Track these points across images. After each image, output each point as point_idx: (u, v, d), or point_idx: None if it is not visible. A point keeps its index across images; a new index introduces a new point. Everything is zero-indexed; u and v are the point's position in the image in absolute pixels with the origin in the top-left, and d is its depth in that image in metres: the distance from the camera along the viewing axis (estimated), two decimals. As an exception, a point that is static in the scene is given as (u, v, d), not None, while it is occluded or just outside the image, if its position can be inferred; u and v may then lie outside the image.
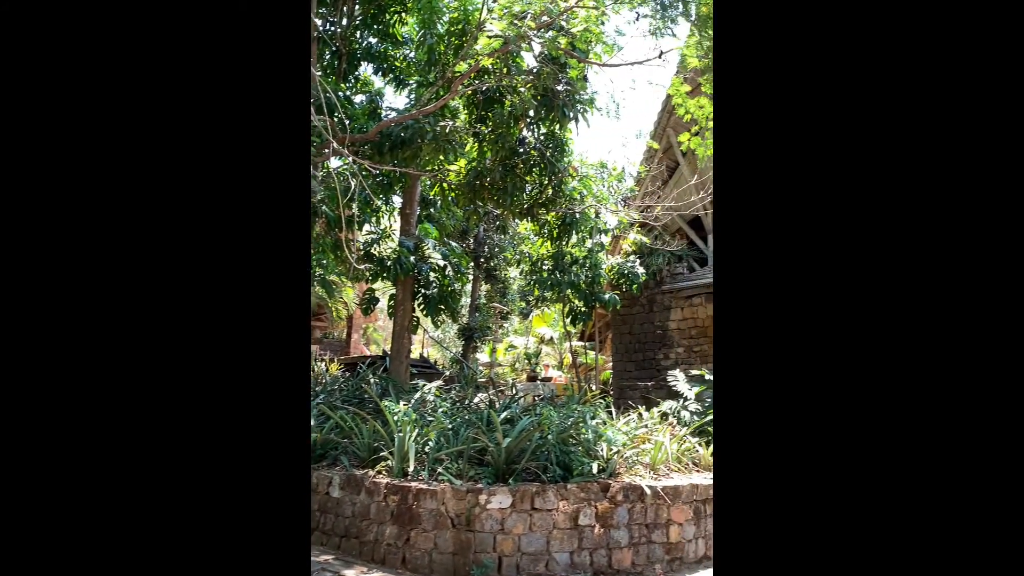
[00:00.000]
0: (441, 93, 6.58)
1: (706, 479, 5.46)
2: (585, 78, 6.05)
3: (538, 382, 13.20)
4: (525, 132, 6.80)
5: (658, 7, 4.74)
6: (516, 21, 4.99)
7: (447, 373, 11.98)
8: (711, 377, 7.11)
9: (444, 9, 7.05)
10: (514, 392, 8.40)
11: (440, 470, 4.83)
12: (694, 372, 7.45)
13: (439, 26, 7.08)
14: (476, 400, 7.16)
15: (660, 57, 5.06)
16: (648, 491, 4.91)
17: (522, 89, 6.04)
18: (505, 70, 6.20)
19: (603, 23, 5.30)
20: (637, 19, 4.90)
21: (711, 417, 6.46)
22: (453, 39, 6.95)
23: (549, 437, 5.22)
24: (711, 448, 6.09)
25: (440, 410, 6.15)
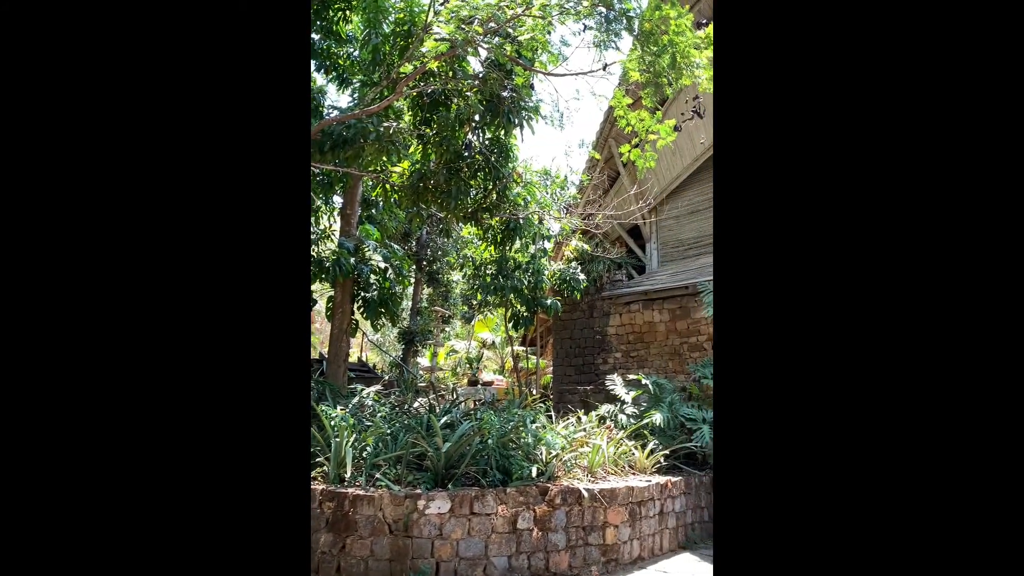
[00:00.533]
0: (385, 93, 6.51)
1: (641, 482, 5.60)
2: (531, 86, 6.12)
3: (479, 386, 13.19)
4: (470, 136, 6.80)
5: (603, 20, 4.85)
6: (463, 25, 4.99)
7: (386, 377, 11.79)
8: (647, 381, 7.31)
9: (390, 9, 6.98)
10: (455, 396, 8.36)
11: (378, 476, 4.76)
12: (631, 376, 7.63)
13: (384, 26, 6.99)
14: (416, 405, 7.08)
15: (604, 69, 5.18)
16: (585, 494, 4.99)
17: (468, 93, 6.05)
18: (451, 73, 6.19)
19: (549, 33, 5.38)
20: (583, 30, 5.00)
21: (647, 420, 6.63)
22: (399, 40, 6.88)
23: (489, 441, 5.23)
24: (647, 451, 6.25)
25: (379, 415, 6.05)
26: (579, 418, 6.89)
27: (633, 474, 6.01)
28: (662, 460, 6.29)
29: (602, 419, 6.88)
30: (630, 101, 5.72)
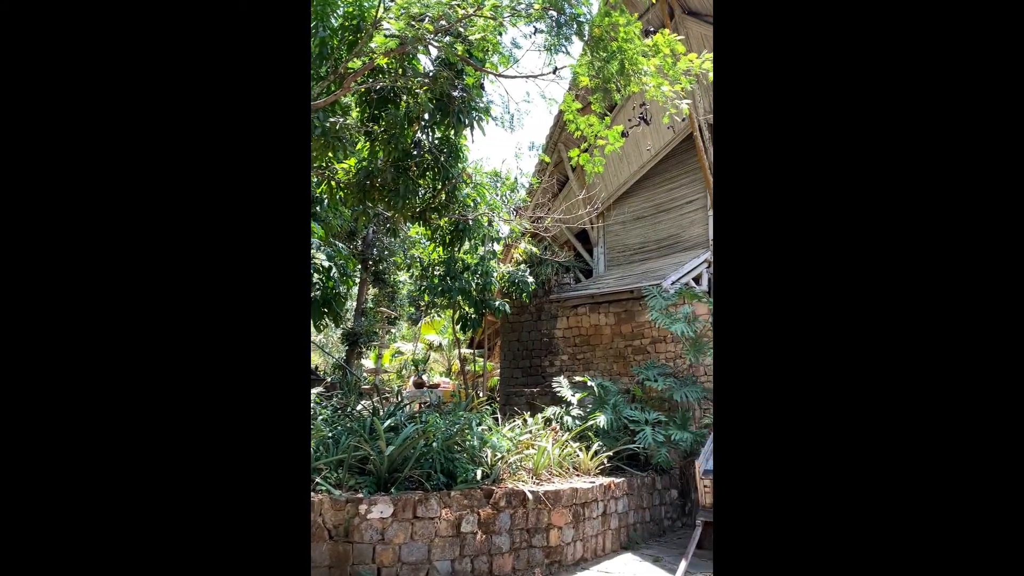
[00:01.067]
0: (332, 89, 6.35)
1: (585, 483, 5.65)
2: (481, 86, 6.10)
3: (425, 389, 13.04)
4: (419, 135, 6.72)
5: (553, 24, 4.88)
6: (414, 22, 4.92)
7: (329, 379, 11.50)
8: (592, 384, 7.38)
9: (338, 2, 6.82)
10: (399, 399, 8.23)
11: (318, 480, 4.62)
12: (577, 378, 7.69)
13: (332, 19, 6.83)
14: (359, 407, 6.93)
15: (554, 73, 5.21)
16: (530, 496, 4.98)
17: (418, 91, 5.97)
18: (401, 71, 6.10)
19: (500, 34, 5.37)
20: (534, 33, 5.02)
21: (591, 422, 6.70)
22: (347, 34, 6.72)
23: (434, 444, 5.16)
24: (591, 452, 6.31)
25: (320, 418, 5.89)
26: (525, 420, 6.89)
27: (577, 476, 6.05)
28: (606, 461, 6.36)
29: (548, 421, 6.91)
30: (580, 106, 5.78)
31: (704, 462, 6.02)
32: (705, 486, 5.78)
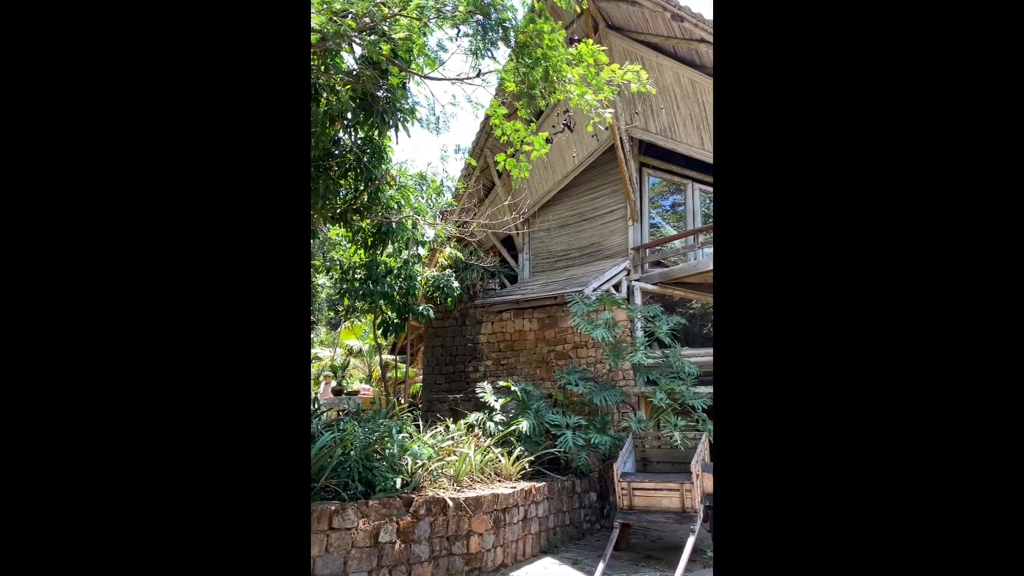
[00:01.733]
0: (249, 81, 6.05)
1: (507, 488, 5.64)
2: (405, 87, 6.00)
3: (344, 396, 12.65)
4: (341, 134, 6.53)
5: (479, 28, 4.88)
6: (336, 18, 4.78)
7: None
8: (516, 389, 7.40)
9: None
10: (316, 407, 7.93)
11: (224, 493, 4.35)
12: (501, 384, 7.69)
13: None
14: (273, 415, 6.61)
15: (479, 76, 5.20)
16: (451, 503, 4.91)
17: (340, 89, 5.80)
18: (323, 67, 5.90)
19: (426, 35, 5.31)
20: (458, 35, 4.99)
21: (514, 427, 6.71)
22: (266, 26, 6.45)
23: (352, 453, 5.00)
24: (513, 457, 6.31)
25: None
26: (448, 427, 6.81)
27: (499, 481, 6.03)
28: (527, 466, 6.38)
29: (470, 427, 6.85)
30: (506, 111, 5.80)
31: (622, 465, 6.16)
32: (622, 488, 5.91)
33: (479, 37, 4.96)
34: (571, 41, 5.51)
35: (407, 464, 5.25)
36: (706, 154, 9.23)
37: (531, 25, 4.69)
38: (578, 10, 5.11)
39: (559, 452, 6.79)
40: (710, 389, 7.87)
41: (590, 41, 4.93)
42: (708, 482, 6.00)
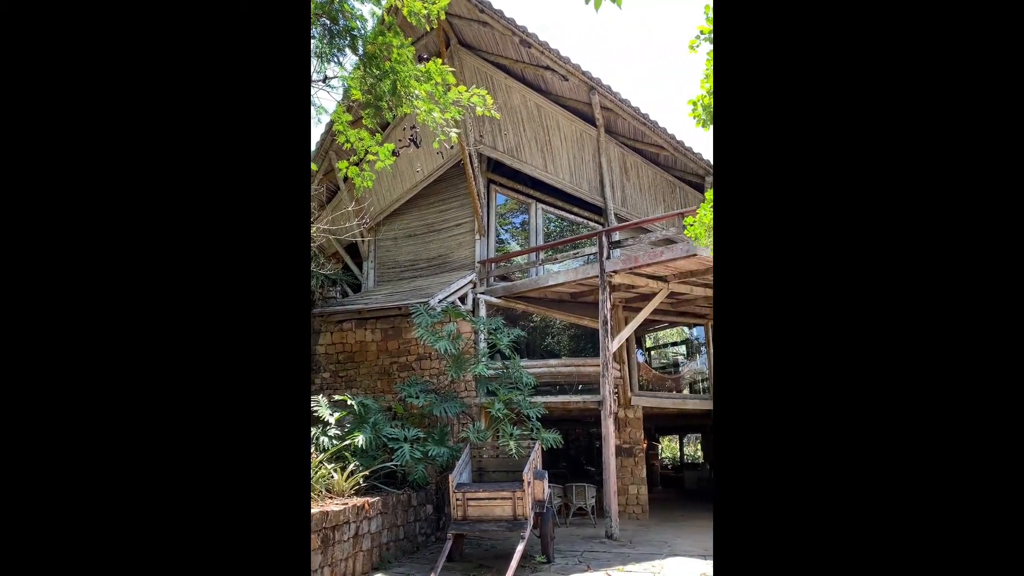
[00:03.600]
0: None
1: (337, 505, 5.46)
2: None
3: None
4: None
5: (326, 32, 4.74)
6: None
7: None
8: (352, 402, 7.21)
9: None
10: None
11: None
12: (337, 397, 7.44)
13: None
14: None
15: (325, 81, 5.05)
16: (275, 525, 4.65)
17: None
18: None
19: (268, 31, 5.05)
20: (302, 38, 4.81)
21: (348, 442, 6.52)
22: None
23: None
24: (346, 473, 6.13)
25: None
26: (277, 442, 6.44)
27: (330, 498, 5.82)
28: (361, 481, 6.24)
29: (302, 442, 6.54)
30: (351, 118, 5.68)
31: (458, 476, 6.25)
32: (457, 499, 6.00)
33: (325, 41, 4.82)
34: (421, 58, 5.55)
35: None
36: (549, 176, 9.75)
37: (380, 37, 4.66)
38: (428, 29, 5.17)
39: (395, 466, 6.72)
40: (546, 399, 8.28)
41: (440, 60, 5.01)
42: (539, 489, 6.30)
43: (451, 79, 4.97)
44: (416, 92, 4.82)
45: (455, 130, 5.21)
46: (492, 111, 5.13)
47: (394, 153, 5.30)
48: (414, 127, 8.96)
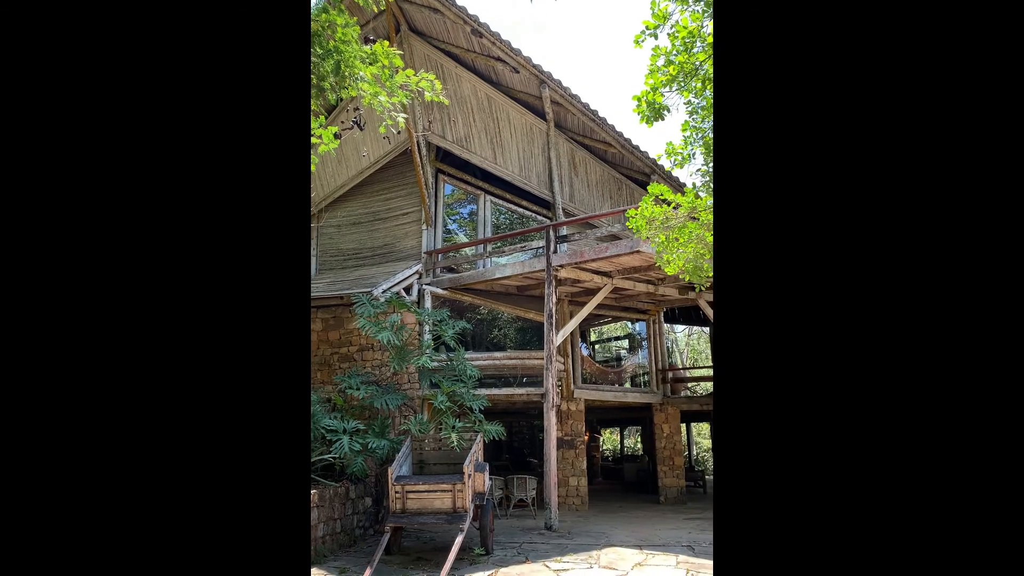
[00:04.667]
0: None
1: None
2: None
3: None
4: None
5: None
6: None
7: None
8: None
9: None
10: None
11: None
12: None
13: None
14: None
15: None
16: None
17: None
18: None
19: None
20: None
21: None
22: None
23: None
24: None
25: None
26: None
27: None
28: (298, 474, 6.06)
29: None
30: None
31: (398, 468, 6.16)
32: (396, 492, 5.91)
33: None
34: (367, 40, 5.39)
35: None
36: (499, 168, 9.70)
37: (324, 15, 4.49)
38: (376, 10, 5.02)
39: (334, 458, 6.57)
40: (491, 391, 8.26)
41: (387, 43, 4.88)
42: (480, 481, 6.27)
43: (399, 62, 4.85)
44: (361, 74, 4.68)
45: (403, 115, 5.09)
46: (441, 97, 5.04)
47: (337, 136, 5.13)
48: (358, 109, 8.75)
